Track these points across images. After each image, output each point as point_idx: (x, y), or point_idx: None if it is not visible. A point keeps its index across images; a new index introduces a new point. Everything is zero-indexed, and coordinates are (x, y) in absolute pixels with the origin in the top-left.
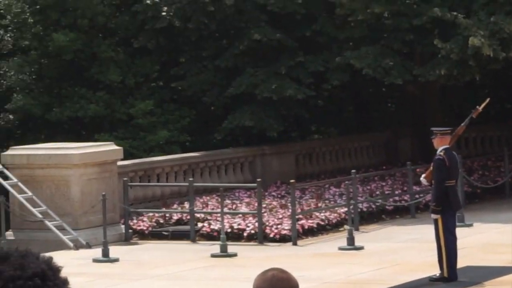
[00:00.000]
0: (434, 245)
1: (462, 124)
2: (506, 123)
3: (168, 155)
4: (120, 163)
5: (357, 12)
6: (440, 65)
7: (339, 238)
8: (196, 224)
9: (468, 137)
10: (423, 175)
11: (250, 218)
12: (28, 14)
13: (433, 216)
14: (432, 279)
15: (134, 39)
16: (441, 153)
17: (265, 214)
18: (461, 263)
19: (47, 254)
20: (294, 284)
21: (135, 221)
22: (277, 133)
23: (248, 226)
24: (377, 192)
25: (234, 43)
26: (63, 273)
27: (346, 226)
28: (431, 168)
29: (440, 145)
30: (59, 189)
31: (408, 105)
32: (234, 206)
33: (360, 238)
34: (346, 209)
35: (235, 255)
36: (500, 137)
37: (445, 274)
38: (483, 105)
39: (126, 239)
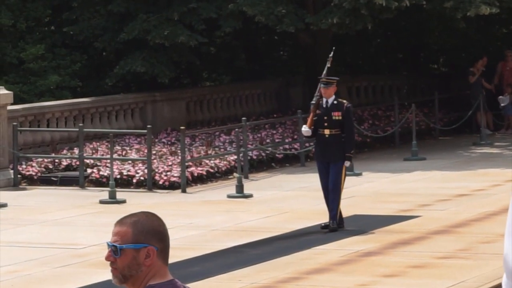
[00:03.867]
0: (322, 193)
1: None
2: (397, 72)
3: (59, 100)
4: (10, 107)
5: None
6: (333, 13)
7: (228, 186)
8: (85, 170)
9: (360, 86)
10: (304, 126)
11: (140, 165)
12: None
13: (348, 163)
14: (323, 227)
15: None
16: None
17: (155, 160)
18: (349, 211)
19: None
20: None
21: (24, 166)
22: (168, 80)
23: (138, 173)
24: (268, 140)
25: None
26: None
27: (235, 174)
28: (311, 115)
29: (333, 94)
30: None
31: (300, 54)
32: (124, 152)
33: (249, 186)
34: (236, 156)
35: (124, 201)
36: (391, 86)
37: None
38: (330, 55)
39: (14, 184)
